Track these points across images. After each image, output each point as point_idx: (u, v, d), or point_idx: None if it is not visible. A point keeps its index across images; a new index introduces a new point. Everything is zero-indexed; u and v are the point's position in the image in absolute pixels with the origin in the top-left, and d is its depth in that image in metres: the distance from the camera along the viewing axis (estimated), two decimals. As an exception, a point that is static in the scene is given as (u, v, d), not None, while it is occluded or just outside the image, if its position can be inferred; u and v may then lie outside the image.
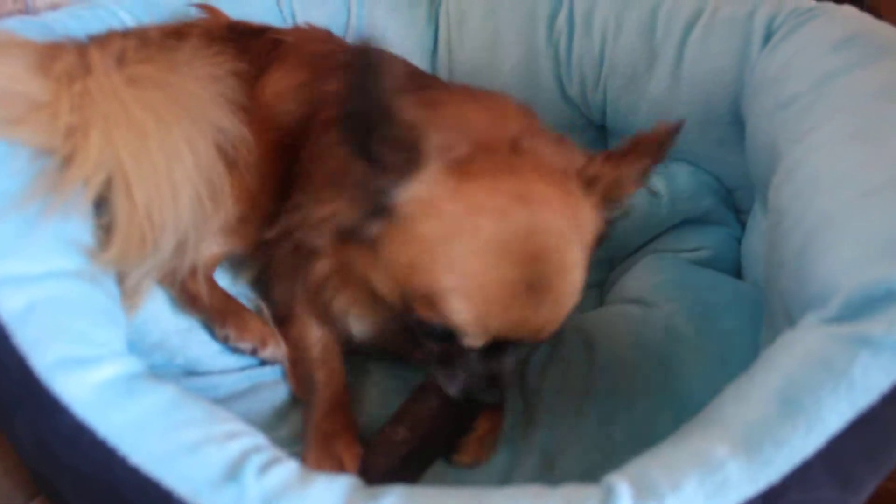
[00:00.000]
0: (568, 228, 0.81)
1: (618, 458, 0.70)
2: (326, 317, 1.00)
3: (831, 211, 0.82)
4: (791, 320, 0.81)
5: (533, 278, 0.78)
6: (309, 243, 0.90)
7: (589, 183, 0.86)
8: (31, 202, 0.79)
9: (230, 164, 0.97)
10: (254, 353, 1.06)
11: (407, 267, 0.80)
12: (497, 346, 0.82)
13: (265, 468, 0.67)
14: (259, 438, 0.72)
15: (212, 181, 0.93)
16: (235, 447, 0.69)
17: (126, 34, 1.05)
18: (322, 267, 0.93)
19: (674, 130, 0.88)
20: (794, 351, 0.73)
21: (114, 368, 0.72)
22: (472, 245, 0.77)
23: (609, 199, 0.88)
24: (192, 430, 0.69)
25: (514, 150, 0.85)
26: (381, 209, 0.81)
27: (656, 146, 0.87)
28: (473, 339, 0.80)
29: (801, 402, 0.68)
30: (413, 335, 0.88)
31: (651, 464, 0.69)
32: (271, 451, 0.70)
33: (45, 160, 0.83)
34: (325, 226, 0.86)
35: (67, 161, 0.85)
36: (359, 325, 0.99)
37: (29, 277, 0.74)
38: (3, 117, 0.83)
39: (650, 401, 1.02)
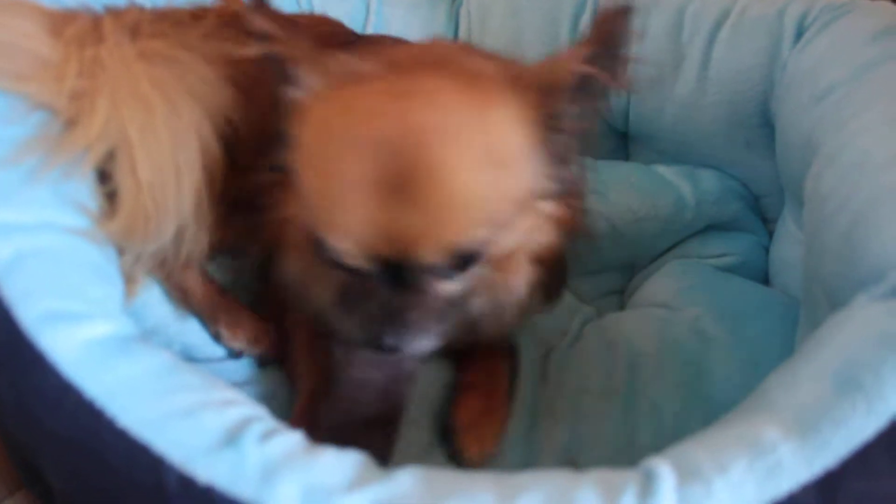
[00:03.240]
0: (452, 124, 0.72)
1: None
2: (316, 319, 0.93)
3: (881, 190, 0.78)
4: (837, 305, 0.76)
5: (399, 176, 0.69)
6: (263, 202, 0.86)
7: (515, 79, 0.76)
8: (30, 155, 0.76)
9: (230, 153, 0.93)
10: (246, 351, 1.00)
11: (302, 182, 0.77)
12: (397, 276, 0.73)
13: (267, 436, 0.61)
14: (259, 410, 0.66)
15: (212, 170, 0.91)
16: (234, 414, 0.63)
17: (143, 8, 1.03)
18: (292, 264, 0.87)
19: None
20: (849, 329, 0.68)
21: (106, 327, 0.67)
22: (339, 146, 0.72)
23: (551, 87, 0.75)
24: (188, 395, 0.64)
25: (432, 61, 0.79)
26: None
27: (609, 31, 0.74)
28: (352, 255, 0.72)
29: (860, 380, 0.62)
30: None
31: (693, 447, 0.63)
32: (273, 422, 0.64)
33: (48, 117, 0.82)
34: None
35: (71, 124, 0.83)
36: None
37: (19, 227, 0.70)
38: (10, 71, 0.81)
39: (678, 404, 0.95)
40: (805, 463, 0.59)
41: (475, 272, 0.77)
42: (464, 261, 0.74)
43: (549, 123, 0.77)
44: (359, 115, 0.73)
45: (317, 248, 0.76)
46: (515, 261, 0.82)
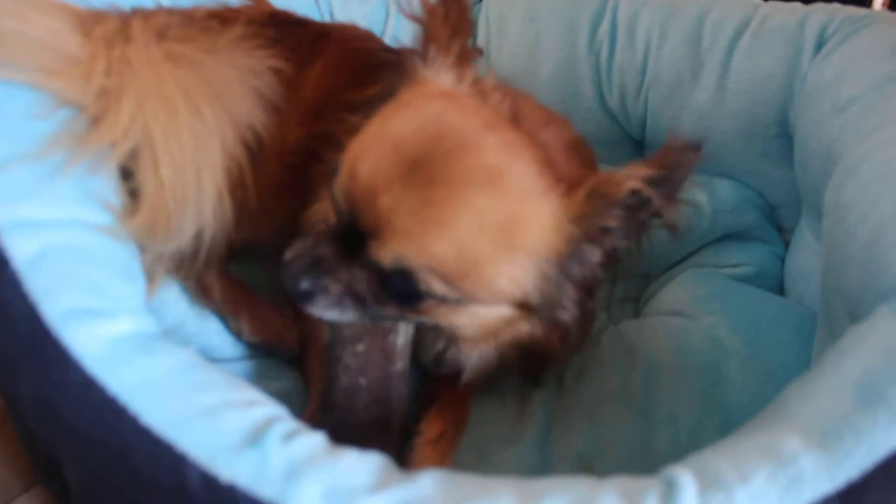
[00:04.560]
0: (487, 182, 0.73)
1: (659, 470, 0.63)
2: None
3: (904, 202, 0.78)
4: (857, 317, 0.75)
5: (418, 169, 0.72)
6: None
7: (573, 185, 0.75)
8: (55, 151, 0.76)
9: (254, 158, 0.95)
10: (268, 348, 1.01)
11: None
12: (349, 237, 0.76)
13: (290, 437, 0.61)
14: (282, 410, 0.66)
15: (233, 174, 0.92)
16: (258, 413, 0.63)
17: (172, 11, 1.04)
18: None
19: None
20: (872, 341, 0.67)
21: (129, 324, 0.67)
22: (399, 118, 0.78)
23: (602, 197, 0.74)
24: (211, 394, 0.64)
25: (528, 128, 0.82)
26: None
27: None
28: (340, 188, 0.76)
29: (883, 392, 0.62)
30: None
31: (714, 456, 0.63)
32: (296, 423, 0.64)
33: (73, 114, 0.82)
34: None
35: (97, 121, 0.84)
36: None
37: (44, 223, 0.70)
38: (39, 66, 0.82)
39: (694, 412, 0.95)
40: (827, 474, 0.59)
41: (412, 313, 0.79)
42: (403, 286, 0.74)
43: (587, 236, 0.75)
44: (429, 117, 0.77)
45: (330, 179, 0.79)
46: (473, 336, 0.83)
